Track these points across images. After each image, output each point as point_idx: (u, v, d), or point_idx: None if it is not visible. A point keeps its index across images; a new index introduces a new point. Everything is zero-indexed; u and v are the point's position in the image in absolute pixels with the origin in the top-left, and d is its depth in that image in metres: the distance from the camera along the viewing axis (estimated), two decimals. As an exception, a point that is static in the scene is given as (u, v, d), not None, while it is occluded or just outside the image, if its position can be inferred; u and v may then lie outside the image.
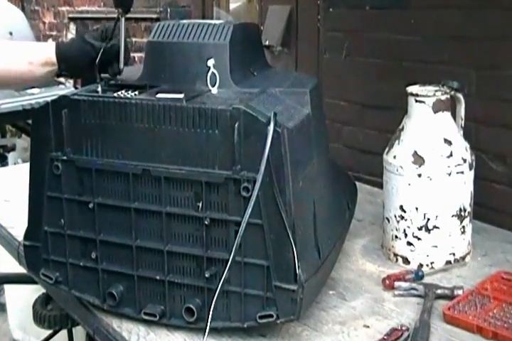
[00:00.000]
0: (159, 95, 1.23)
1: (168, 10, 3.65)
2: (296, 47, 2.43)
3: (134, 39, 3.90)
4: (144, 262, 1.26)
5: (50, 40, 5.07)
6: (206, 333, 1.15)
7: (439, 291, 1.37)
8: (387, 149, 1.55)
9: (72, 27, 4.84)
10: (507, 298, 1.33)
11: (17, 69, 1.41)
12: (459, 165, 1.48)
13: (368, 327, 1.28)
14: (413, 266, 1.51)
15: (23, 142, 4.18)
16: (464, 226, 1.52)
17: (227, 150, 1.15)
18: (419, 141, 1.49)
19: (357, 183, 1.71)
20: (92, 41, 1.38)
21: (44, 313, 2.17)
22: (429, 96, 1.48)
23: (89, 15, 4.58)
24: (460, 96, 1.53)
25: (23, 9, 5.12)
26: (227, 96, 1.24)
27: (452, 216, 1.49)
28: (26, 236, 1.38)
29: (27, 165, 1.35)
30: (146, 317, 1.27)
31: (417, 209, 1.48)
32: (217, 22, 1.35)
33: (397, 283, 1.41)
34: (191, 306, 1.22)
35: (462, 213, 1.50)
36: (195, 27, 1.32)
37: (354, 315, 1.33)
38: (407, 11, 1.96)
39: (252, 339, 1.24)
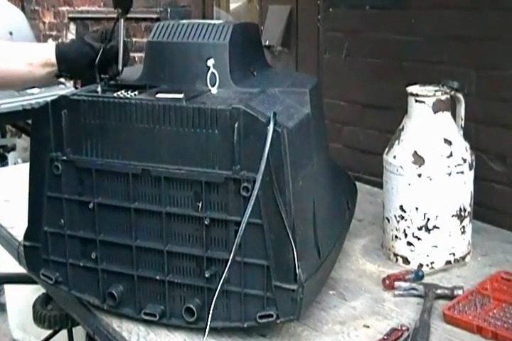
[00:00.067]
0: (159, 95, 1.23)
1: (168, 10, 3.66)
2: (296, 47, 2.43)
3: (134, 39, 3.90)
4: (144, 262, 1.26)
5: (50, 40, 5.07)
6: (206, 333, 1.15)
7: (439, 291, 1.37)
8: (387, 149, 1.55)
9: (72, 27, 4.84)
10: (507, 298, 1.33)
11: (17, 70, 1.41)
12: (459, 165, 1.48)
13: (368, 327, 1.28)
14: (413, 266, 1.51)
15: (23, 142, 4.19)
16: (464, 226, 1.52)
17: (226, 150, 1.15)
18: (419, 141, 1.49)
19: (357, 183, 1.71)
20: (92, 42, 1.39)
21: (44, 313, 2.18)
22: (429, 96, 1.48)
23: (89, 15, 4.58)
24: (460, 96, 1.53)
25: (23, 9, 5.12)
26: (227, 96, 1.24)
27: (452, 216, 1.49)
28: (26, 237, 1.38)
29: (27, 165, 1.35)
30: (146, 317, 1.27)
31: (417, 209, 1.48)
32: (217, 22, 1.35)
33: (397, 283, 1.41)
34: (191, 306, 1.22)
35: (462, 213, 1.50)
36: (195, 27, 1.32)
37: (354, 315, 1.33)
38: (407, 11, 1.96)
39: (252, 339, 1.24)
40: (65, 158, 1.28)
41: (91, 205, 1.27)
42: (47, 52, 1.40)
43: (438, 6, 1.86)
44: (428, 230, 1.49)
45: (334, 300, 1.39)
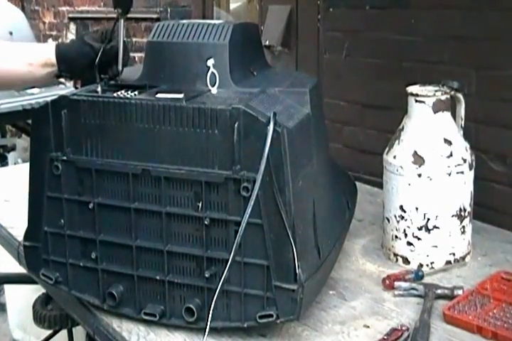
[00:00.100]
0: (159, 95, 1.23)
1: (168, 10, 3.66)
2: (296, 47, 2.43)
3: (134, 39, 3.90)
4: (144, 262, 1.26)
5: (50, 39, 5.08)
6: (206, 333, 1.15)
7: (439, 291, 1.37)
8: (387, 149, 1.55)
9: (72, 27, 4.84)
10: (507, 298, 1.33)
11: (17, 70, 1.41)
12: (459, 165, 1.48)
13: (368, 327, 1.28)
14: (413, 266, 1.51)
15: (23, 142, 4.19)
16: (464, 226, 1.52)
17: (226, 150, 1.15)
18: (419, 141, 1.49)
19: (357, 183, 1.71)
20: (92, 42, 1.39)
21: (44, 313, 2.17)
22: (429, 96, 1.48)
23: (89, 15, 4.58)
24: (460, 96, 1.53)
25: (23, 9, 5.12)
26: (227, 96, 1.24)
27: (452, 216, 1.49)
28: (26, 237, 1.38)
29: (27, 165, 1.35)
30: (146, 317, 1.27)
31: (417, 209, 1.48)
32: (217, 22, 1.35)
33: (397, 283, 1.41)
34: (191, 306, 1.22)
35: (462, 213, 1.50)
36: (195, 27, 1.32)
37: (354, 315, 1.33)
38: (407, 11, 1.96)
39: (252, 339, 1.24)
40: (65, 158, 1.28)
41: (91, 205, 1.27)
42: (47, 53, 1.40)
43: (438, 6, 1.86)
44: (428, 230, 1.49)
45: (334, 300, 1.39)
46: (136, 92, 1.26)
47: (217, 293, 1.14)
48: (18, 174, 1.90)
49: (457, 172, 1.48)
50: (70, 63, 1.40)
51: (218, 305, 1.18)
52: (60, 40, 4.78)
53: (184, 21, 1.35)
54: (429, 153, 1.47)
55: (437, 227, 1.49)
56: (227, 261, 1.14)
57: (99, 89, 1.29)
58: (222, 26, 1.31)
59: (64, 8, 4.93)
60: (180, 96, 1.20)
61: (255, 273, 1.18)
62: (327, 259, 1.29)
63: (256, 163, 1.12)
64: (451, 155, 1.47)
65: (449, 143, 1.48)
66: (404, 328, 1.25)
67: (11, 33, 3.71)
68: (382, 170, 1.56)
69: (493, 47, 1.75)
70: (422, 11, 1.92)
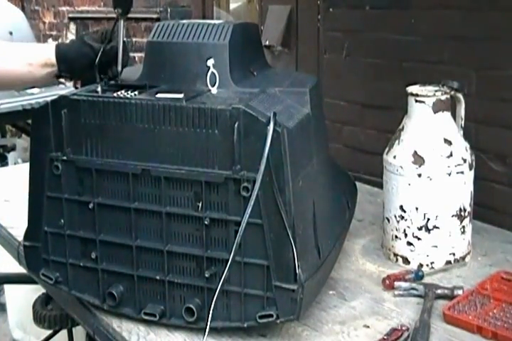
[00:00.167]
0: (159, 95, 1.23)
1: (168, 10, 3.66)
2: (296, 47, 2.43)
3: (134, 39, 3.90)
4: (144, 262, 1.26)
5: (50, 39, 5.08)
6: (206, 333, 1.15)
7: (439, 291, 1.37)
8: (387, 149, 1.55)
9: (72, 27, 4.84)
10: (507, 298, 1.33)
11: (17, 70, 1.41)
12: (459, 165, 1.48)
13: (368, 327, 1.28)
14: (413, 266, 1.51)
15: (23, 142, 4.19)
16: (464, 226, 1.52)
17: (226, 150, 1.15)
18: (419, 141, 1.49)
19: (357, 183, 1.71)
20: (92, 43, 1.39)
21: (44, 313, 2.17)
22: (429, 96, 1.48)
23: (89, 15, 4.58)
24: (460, 96, 1.53)
25: (23, 9, 5.12)
26: (227, 96, 1.24)
27: (452, 216, 1.49)
28: (26, 237, 1.37)
29: (27, 165, 1.35)
30: (146, 317, 1.27)
31: (417, 209, 1.48)
32: (217, 22, 1.35)
33: (397, 283, 1.41)
34: (191, 306, 1.22)
35: (462, 213, 1.50)
36: (195, 27, 1.32)
37: (354, 315, 1.33)
38: (407, 11, 1.96)
39: (252, 339, 1.24)
40: (65, 158, 1.28)
41: (91, 205, 1.27)
42: (47, 53, 1.40)
43: (438, 6, 1.86)
44: (428, 230, 1.49)
45: (334, 300, 1.39)
46: (136, 92, 1.26)
47: (217, 293, 1.15)
48: (18, 174, 1.90)
49: (457, 172, 1.48)
50: (69, 63, 1.40)
51: (218, 305, 1.18)
52: (60, 40, 4.79)
53: (184, 21, 1.35)
54: (429, 153, 1.47)
55: (437, 227, 1.49)
56: (227, 261, 1.14)
57: (99, 89, 1.29)
58: (222, 26, 1.31)
59: (64, 8, 4.93)
60: (181, 96, 1.20)
61: (255, 273, 1.18)
62: (327, 259, 1.29)
63: (256, 163, 1.12)
64: (451, 155, 1.47)
65: (449, 143, 1.48)
66: (404, 328, 1.25)
67: (11, 33, 3.71)
68: (382, 170, 1.56)
69: (493, 47, 1.75)
70: (422, 11, 1.92)
